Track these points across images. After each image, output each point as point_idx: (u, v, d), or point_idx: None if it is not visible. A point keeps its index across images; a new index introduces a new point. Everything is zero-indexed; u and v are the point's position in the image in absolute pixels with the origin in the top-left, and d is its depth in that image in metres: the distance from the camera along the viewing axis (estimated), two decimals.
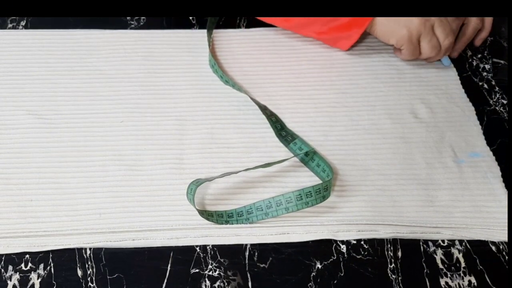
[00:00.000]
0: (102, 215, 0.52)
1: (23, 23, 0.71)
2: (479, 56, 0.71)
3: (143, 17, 0.73)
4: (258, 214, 0.52)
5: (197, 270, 0.49)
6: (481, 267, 0.51)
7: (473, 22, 0.66)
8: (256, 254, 0.51)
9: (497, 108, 0.64)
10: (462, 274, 0.50)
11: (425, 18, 0.60)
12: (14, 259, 0.49)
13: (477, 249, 0.52)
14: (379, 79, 0.66)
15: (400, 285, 0.49)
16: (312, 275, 0.49)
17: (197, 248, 0.51)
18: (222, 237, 0.51)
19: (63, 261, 0.49)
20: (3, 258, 0.49)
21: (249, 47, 0.69)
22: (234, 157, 0.57)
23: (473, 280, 0.50)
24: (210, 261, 0.50)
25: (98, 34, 0.69)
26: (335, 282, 0.49)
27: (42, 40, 0.68)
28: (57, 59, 0.66)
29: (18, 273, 0.49)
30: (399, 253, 0.51)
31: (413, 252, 0.51)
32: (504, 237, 0.52)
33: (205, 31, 0.70)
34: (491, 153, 0.59)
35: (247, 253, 0.51)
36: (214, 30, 0.70)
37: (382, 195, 0.55)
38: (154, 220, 0.52)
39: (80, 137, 0.58)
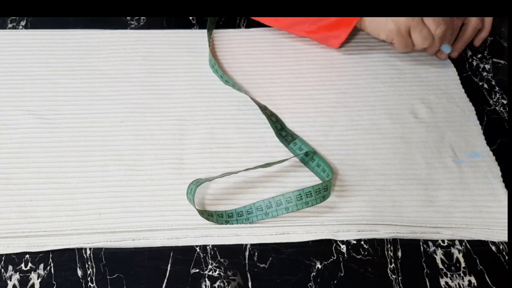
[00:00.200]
0: (102, 215, 0.52)
1: (23, 23, 0.71)
2: (479, 56, 0.71)
3: (143, 17, 0.73)
4: (258, 214, 0.52)
5: (197, 270, 0.49)
6: (481, 267, 0.51)
7: (473, 22, 0.66)
8: (256, 254, 0.51)
9: (497, 108, 0.64)
10: (462, 274, 0.50)
11: None
12: (14, 259, 0.49)
13: (477, 249, 0.52)
14: (379, 79, 0.66)
15: (400, 285, 0.49)
16: (312, 275, 0.50)
17: (197, 248, 0.51)
18: (222, 237, 0.51)
19: (63, 261, 0.49)
20: (3, 258, 0.49)
21: (249, 47, 0.69)
22: (234, 157, 0.57)
23: (473, 280, 0.50)
24: (210, 261, 0.50)
25: (98, 34, 0.69)
26: (335, 282, 0.49)
27: (42, 40, 0.68)
28: (57, 59, 0.66)
29: (18, 273, 0.49)
30: (399, 253, 0.51)
31: (413, 252, 0.51)
32: (504, 237, 0.52)
33: (205, 31, 0.70)
34: (491, 153, 0.59)
35: (247, 253, 0.51)
36: (214, 30, 0.70)
37: (382, 195, 0.55)
38: (154, 220, 0.52)
39: (80, 137, 0.58)
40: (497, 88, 0.66)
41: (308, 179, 0.56)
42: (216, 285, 0.49)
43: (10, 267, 0.49)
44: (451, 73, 0.67)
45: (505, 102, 0.65)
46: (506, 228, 0.52)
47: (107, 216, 0.52)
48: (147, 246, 0.51)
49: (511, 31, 0.73)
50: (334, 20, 0.63)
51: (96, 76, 0.64)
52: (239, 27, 0.72)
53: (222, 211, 0.52)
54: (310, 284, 0.49)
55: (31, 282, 0.48)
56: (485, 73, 0.68)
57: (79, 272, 0.49)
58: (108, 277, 0.49)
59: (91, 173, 0.55)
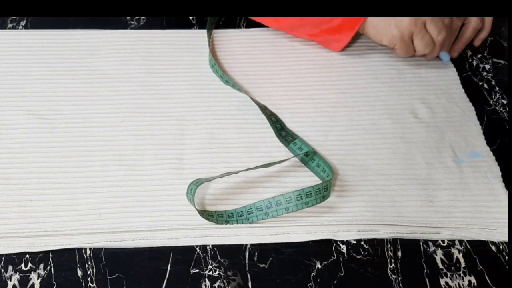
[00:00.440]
0: (102, 215, 0.52)
1: (23, 23, 0.71)
2: (479, 56, 0.71)
3: (143, 17, 0.73)
4: (258, 214, 0.52)
5: (197, 270, 0.49)
6: (481, 267, 0.51)
7: (473, 22, 0.66)
8: (256, 254, 0.51)
9: (497, 108, 0.64)
10: (462, 274, 0.50)
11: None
12: (14, 259, 0.49)
13: (477, 249, 0.52)
14: (379, 79, 0.66)
15: (400, 285, 0.49)
16: (312, 275, 0.49)
17: (197, 248, 0.51)
18: (222, 237, 0.51)
19: (63, 261, 0.49)
20: (3, 258, 0.49)
21: (249, 47, 0.69)
22: (234, 157, 0.57)
23: (473, 280, 0.50)
24: (210, 261, 0.50)
25: (98, 34, 0.69)
26: (335, 282, 0.49)
27: (42, 40, 0.68)
28: (57, 59, 0.66)
29: (18, 273, 0.49)
30: (399, 253, 0.51)
31: (413, 252, 0.51)
32: (504, 237, 0.52)
33: (205, 31, 0.70)
34: (491, 153, 0.59)
35: (247, 253, 0.51)
36: (214, 30, 0.70)
37: (382, 195, 0.55)
38: (154, 220, 0.52)
39: (80, 137, 0.58)
40: (497, 88, 0.67)
41: (308, 179, 0.56)
42: (216, 285, 0.49)
43: (10, 267, 0.49)
44: (451, 73, 0.67)
45: (505, 102, 0.65)
46: (506, 228, 0.52)
47: (107, 216, 0.52)
48: (147, 246, 0.51)
49: (511, 31, 0.73)
50: (336, 24, 0.63)
51: (96, 76, 0.64)
52: (239, 27, 0.72)
53: (222, 211, 0.52)
54: (310, 284, 0.49)
55: (31, 282, 0.48)
56: (485, 73, 0.68)
57: (79, 272, 0.49)
58: (108, 277, 0.49)
59: (91, 173, 0.55)
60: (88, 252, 0.50)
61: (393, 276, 0.50)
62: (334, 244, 0.52)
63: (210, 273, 0.49)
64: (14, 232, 0.50)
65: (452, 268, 0.51)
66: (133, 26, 0.72)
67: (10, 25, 0.71)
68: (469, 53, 0.71)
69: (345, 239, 0.52)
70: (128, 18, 0.73)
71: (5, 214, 0.52)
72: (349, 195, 0.55)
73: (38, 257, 0.50)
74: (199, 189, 0.53)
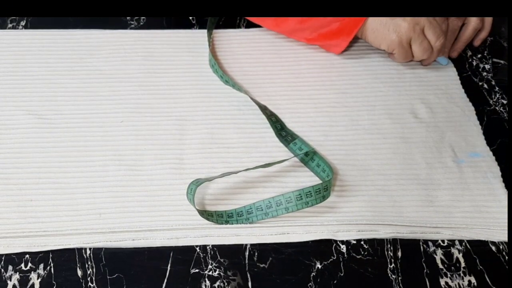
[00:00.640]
0: (102, 215, 0.52)
1: (23, 23, 0.71)
2: (479, 56, 0.71)
3: (143, 17, 0.73)
4: (258, 214, 0.52)
5: (197, 270, 0.49)
6: (481, 267, 0.51)
7: (473, 22, 0.67)
8: (256, 254, 0.51)
9: (497, 108, 0.64)
10: (462, 274, 0.50)
11: (414, 22, 0.60)
12: (14, 259, 0.49)
13: (477, 249, 0.52)
14: (379, 79, 0.66)
15: (400, 285, 0.49)
16: (312, 275, 0.49)
17: (197, 248, 0.51)
18: (222, 237, 0.51)
19: (63, 261, 0.49)
20: (3, 258, 0.49)
21: (249, 47, 0.69)
22: (234, 157, 0.57)
23: (473, 280, 0.50)
24: (210, 261, 0.50)
25: (98, 34, 0.69)
26: (335, 282, 0.49)
27: (42, 40, 0.68)
28: (57, 59, 0.66)
29: (18, 273, 0.49)
30: (399, 253, 0.51)
31: (413, 252, 0.51)
32: (504, 237, 0.52)
33: (205, 31, 0.70)
34: (491, 153, 0.59)
35: (247, 253, 0.51)
36: (214, 30, 0.70)
37: (382, 195, 0.55)
38: (154, 220, 0.52)
39: (80, 137, 0.58)
40: (497, 88, 0.66)
41: (308, 179, 0.56)
42: (216, 285, 0.49)
43: (10, 267, 0.49)
44: (451, 73, 0.67)
45: (505, 102, 0.65)
46: (506, 228, 0.52)
47: (107, 216, 0.52)
48: (147, 246, 0.51)
49: (511, 31, 0.73)
50: (334, 28, 0.63)
51: (96, 76, 0.64)
52: (239, 27, 0.72)
53: (222, 211, 0.52)
54: (310, 284, 0.49)
55: (31, 282, 0.48)
56: (485, 73, 0.68)
57: (79, 272, 0.49)
58: (108, 277, 0.49)
59: (91, 173, 0.55)
60: (88, 252, 0.50)
61: (393, 276, 0.50)
62: (334, 244, 0.52)
63: (210, 273, 0.49)
64: (14, 232, 0.50)
65: (452, 268, 0.51)
66: (133, 26, 0.72)
67: (10, 25, 0.71)
68: (469, 53, 0.71)
69: (345, 239, 0.52)
70: (128, 18, 0.73)
71: (5, 214, 0.52)
72: (349, 195, 0.55)
73: (38, 257, 0.50)
74: (199, 189, 0.53)
